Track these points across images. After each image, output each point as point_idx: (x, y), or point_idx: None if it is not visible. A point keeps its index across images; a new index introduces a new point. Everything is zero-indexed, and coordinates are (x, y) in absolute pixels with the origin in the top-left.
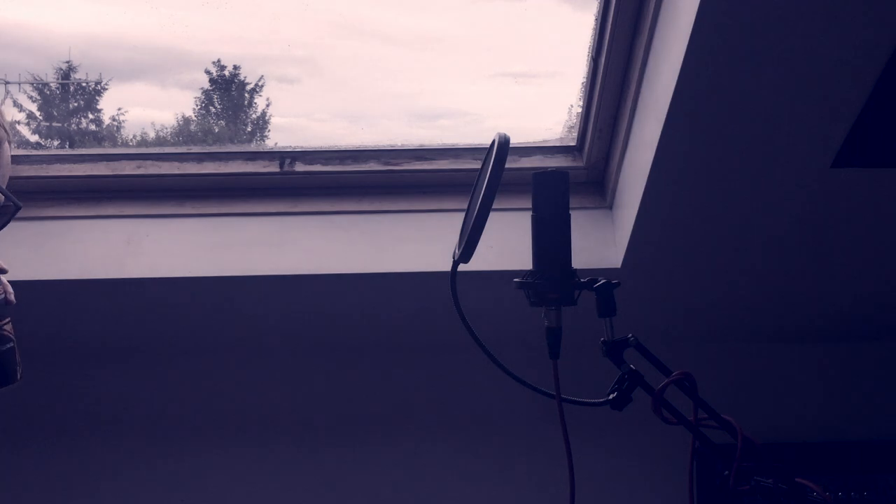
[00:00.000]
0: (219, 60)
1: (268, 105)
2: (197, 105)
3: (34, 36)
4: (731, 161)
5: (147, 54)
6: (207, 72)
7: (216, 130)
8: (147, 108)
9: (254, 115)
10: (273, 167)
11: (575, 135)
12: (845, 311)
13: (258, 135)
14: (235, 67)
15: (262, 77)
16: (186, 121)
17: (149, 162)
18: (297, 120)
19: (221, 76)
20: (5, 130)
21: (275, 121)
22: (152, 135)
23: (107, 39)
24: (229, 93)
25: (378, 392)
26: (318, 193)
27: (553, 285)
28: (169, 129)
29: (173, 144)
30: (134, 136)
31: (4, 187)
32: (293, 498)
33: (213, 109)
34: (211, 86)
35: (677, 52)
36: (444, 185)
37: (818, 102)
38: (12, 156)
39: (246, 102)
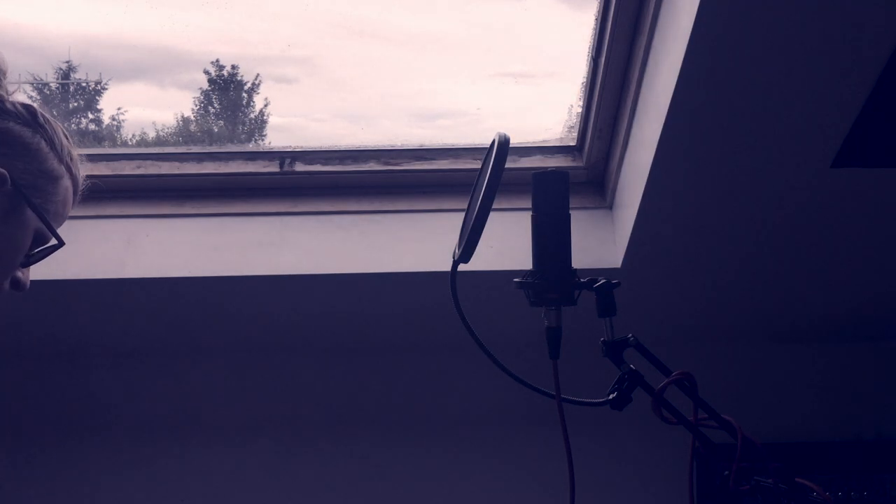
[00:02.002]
0: (217, 60)
1: (265, 105)
2: (196, 105)
3: (33, 36)
4: (731, 161)
5: (146, 54)
6: (206, 72)
7: (215, 130)
8: (147, 109)
9: (252, 115)
10: (273, 167)
11: (575, 135)
12: (845, 311)
13: (256, 134)
14: (233, 67)
15: (258, 76)
16: (186, 121)
17: (149, 162)
18: (295, 120)
19: (220, 76)
20: (64, 165)
21: (273, 120)
22: (152, 135)
23: (106, 39)
24: (227, 93)
25: (378, 392)
26: (318, 193)
27: (553, 285)
28: (169, 130)
29: (173, 144)
30: (133, 136)
31: (59, 226)
32: (293, 498)
33: (213, 109)
34: (209, 86)
35: (677, 52)
36: (444, 185)
37: (818, 102)
38: None
39: (244, 102)
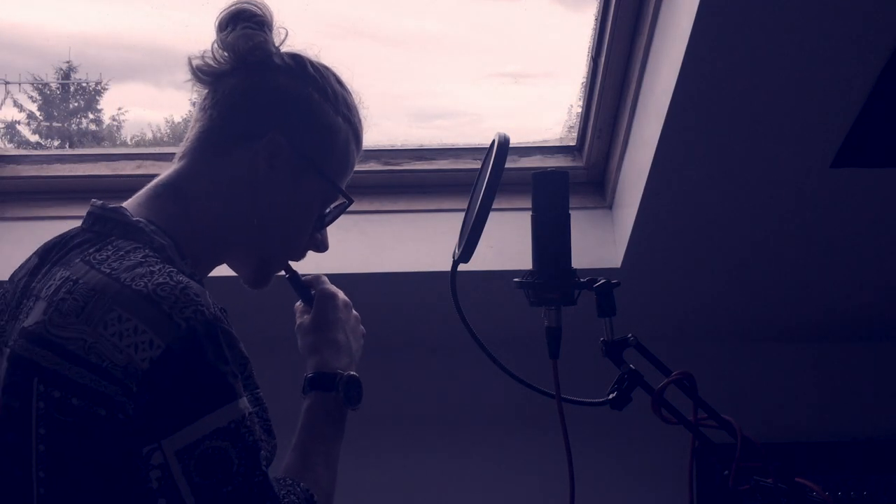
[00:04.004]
0: None
1: None
2: (192, 106)
3: (34, 36)
4: (731, 161)
5: (145, 55)
6: None
7: None
8: (145, 109)
9: None
10: None
11: (575, 135)
12: (845, 311)
13: None
14: None
15: None
16: (185, 121)
17: (148, 162)
18: None
19: None
20: (341, 116)
21: None
22: (149, 135)
23: (105, 40)
24: None
25: (377, 392)
26: None
27: (553, 285)
28: (167, 130)
29: (171, 144)
30: (133, 137)
31: (345, 179)
32: None
33: None
34: None
35: (677, 52)
36: (444, 185)
37: (818, 102)
38: (12, 156)
39: None
